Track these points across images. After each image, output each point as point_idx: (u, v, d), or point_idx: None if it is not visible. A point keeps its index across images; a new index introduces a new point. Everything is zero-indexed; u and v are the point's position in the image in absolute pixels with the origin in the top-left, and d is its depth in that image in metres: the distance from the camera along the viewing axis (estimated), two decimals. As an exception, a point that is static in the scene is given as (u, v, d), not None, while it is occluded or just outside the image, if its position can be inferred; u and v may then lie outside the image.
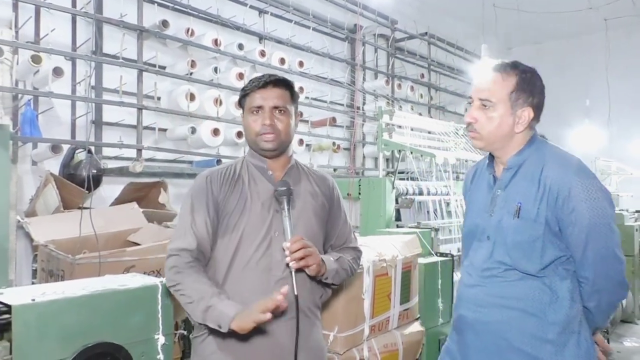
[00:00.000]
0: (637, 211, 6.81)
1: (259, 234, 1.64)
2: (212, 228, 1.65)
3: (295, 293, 1.55)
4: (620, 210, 6.40)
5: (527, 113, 1.64)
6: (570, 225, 1.55)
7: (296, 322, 1.57)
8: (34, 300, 1.61)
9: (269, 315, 1.39)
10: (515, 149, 1.67)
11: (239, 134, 4.90)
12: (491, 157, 1.76)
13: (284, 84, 1.72)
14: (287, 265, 1.56)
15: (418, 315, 2.69)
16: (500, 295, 1.63)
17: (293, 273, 1.56)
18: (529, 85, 1.64)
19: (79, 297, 1.70)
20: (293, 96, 1.74)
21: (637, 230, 5.86)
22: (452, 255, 3.03)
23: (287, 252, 1.55)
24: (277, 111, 1.68)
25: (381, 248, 2.47)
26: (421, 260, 2.82)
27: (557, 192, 1.55)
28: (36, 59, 3.61)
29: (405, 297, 2.56)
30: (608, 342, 4.79)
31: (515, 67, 1.66)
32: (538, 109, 1.67)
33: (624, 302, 4.94)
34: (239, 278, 1.62)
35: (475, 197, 1.81)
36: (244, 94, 1.73)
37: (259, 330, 1.51)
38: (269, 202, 1.67)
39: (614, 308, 1.72)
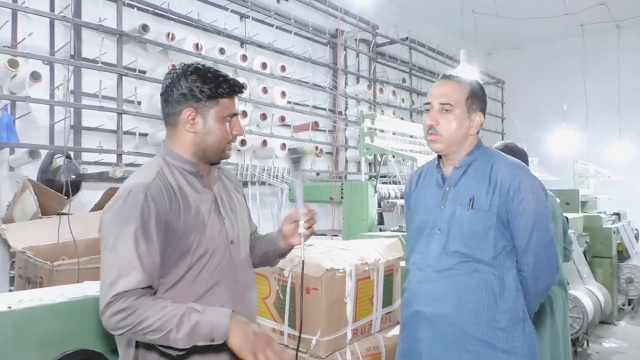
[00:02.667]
0: (614, 213, 6.95)
1: (220, 248, 1.52)
2: (161, 259, 1.39)
3: (303, 259, 1.64)
4: (598, 212, 6.52)
5: (479, 118, 1.82)
6: (518, 215, 1.72)
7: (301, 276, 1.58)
8: (10, 307, 1.59)
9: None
10: (466, 151, 1.83)
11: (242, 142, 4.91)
12: (439, 159, 1.90)
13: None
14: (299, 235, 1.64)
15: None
16: (456, 288, 1.73)
17: (303, 240, 1.64)
18: (479, 93, 1.83)
19: (56, 304, 1.68)
20: None
21: (614, 232, 5.98)
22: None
23: (302, 222, 1.62)
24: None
25: (363, 252, 2.48)
26: (403, 264, 2.83)
27: (508, 186, 1.73)
28: (13, 64, 3.56)
29: (387, 300, 2.56)
30: (587, 343, 4.87)
31: (465, 78, 1.85)
32: (484, 115, 1.86)
33: (602, 303, 5.02)
34: (206, 298, 1.46)
35: (422, 195, 1.92)
36: (213, 94, 1.50)
37: None
38: (215, 210, 1.55)
39: (546, 294, 1.86)
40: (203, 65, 1.53)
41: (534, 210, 1.71)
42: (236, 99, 1.57)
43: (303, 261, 1.68)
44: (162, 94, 1.55)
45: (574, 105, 8.45)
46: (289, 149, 1.76)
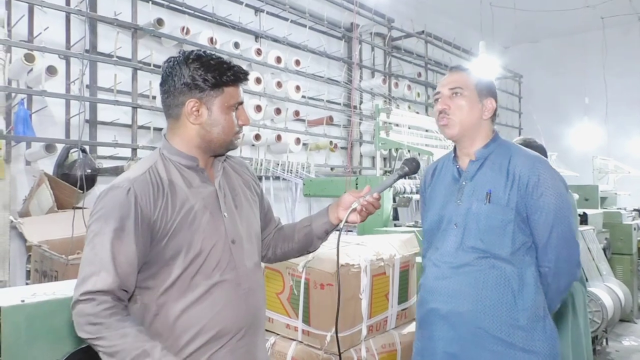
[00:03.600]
0: (634, 210, 6.80)
1: (218, 247, 1.40)
2: (143, 257, 1.32)
3: (342, 226, 1.61)
4: (617, 208, 6.39)
5: (491, 102, 1.78)
6: (538, 210, 1.67)
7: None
8: (23, 301, 1.58)
9: None
10: (483, 142, 1.78)
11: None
12: (454, 152, 1.85)
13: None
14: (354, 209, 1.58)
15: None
16: (474, 285, 1.68)
17: (356, 205, 1.58)
18: (487, 82, 1.82)
19: (69, 298, 1.65)
20: None
21: (635, 229, 5.85)
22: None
23: (369, 198, 1.58)
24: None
25: (379, 247, 2.44)
26: (419, 260, 2.79)
27: (527, 179, 1.67)
28: (29, 58, 3.57)
29: (403, 297, 2.53)
30: (607, 341, 4.79)
31: (471, 70, 1.85)
32: (496, 102, 1.82)
33: (622, 300, 4.92)
34: (204, 301, 1.37)
35: (438, 190, 1.87)
36: (218, 82, 1.41)
37: None
38: (214, 207, 1.43)
39: (568, 290, 1.81)
40: (205, 52, 1.43)
41: (554, 205, 1.66)
42: (241, 87, 1.47)
43: (340, 233, 1.61)
44: (161, 84, 1.44)
45: (594, 99, 8.28)
46: (410, 159, 1.71)
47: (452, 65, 1.89)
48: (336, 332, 1.73)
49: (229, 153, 1.58)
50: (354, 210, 1.58)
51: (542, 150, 2.72)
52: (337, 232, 1.63)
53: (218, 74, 1.40)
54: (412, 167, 1.75)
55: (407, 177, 1.82)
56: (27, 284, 3.55)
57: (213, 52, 1.46)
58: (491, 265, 1.67)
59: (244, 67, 1.59)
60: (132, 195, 1.30)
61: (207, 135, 1.42)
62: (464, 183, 1.76)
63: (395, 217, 5.48)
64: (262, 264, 1.74)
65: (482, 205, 1.69)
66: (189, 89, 1.39)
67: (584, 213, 4.90)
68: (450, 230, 1.74)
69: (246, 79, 1.48)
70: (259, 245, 1.59)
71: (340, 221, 1.61)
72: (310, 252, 1.76)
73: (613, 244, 5.63)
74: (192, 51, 1.43)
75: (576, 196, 3.08)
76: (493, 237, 1.67)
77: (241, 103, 1.47)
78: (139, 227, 1.30)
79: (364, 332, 2.27)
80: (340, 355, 1.78)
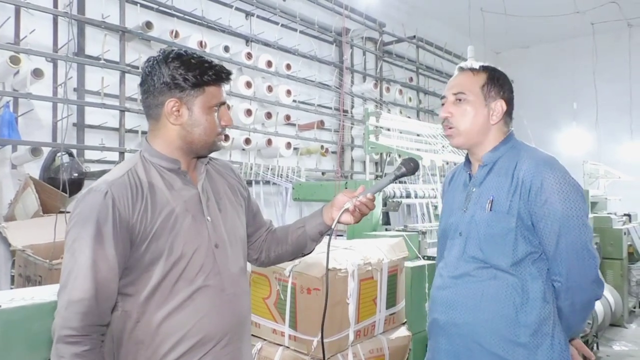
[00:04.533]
0: (625, 214, 6.83)
1: (200, 252, 1.36)
2: (123, 261, 1.29)
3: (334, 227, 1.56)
4: (608, 213, 6.42)
5: (501, 105, 1.66)
6: (543, 217, 1.54)
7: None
8: (0, 306, 1.55)
9: None
10: (492, 145, 1.67)
11: (225, 138, 4.85)
12: (467, 157, 1.78)
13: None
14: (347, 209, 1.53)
15: (405, 320, 2.64)
16: (472, 296, 1.60)
17: (340, 212, 1.53)
18: (498, 81, 1.68)
19: (48, 303, 1.63)
20: None
21: (625, 233, 5.88)
22: (440, 259, 2.98)
23: (362, 198, 1.53)
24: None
25: (366, 251, 2.42)
26: (408, 264, 2.77)
27: (529, 185, 1.55)
28: (15, 60, 3.53)
29: (391, 302, 2.50)
30: (597, 346, 4.78)
31: (484, 67, 1.70)
32: (509, 104, 1.69)
33: (612, 305, 4.93)
34: (186, 307, 1.34)
35: (451, 197, 1.81)
36: (199, 82, 1.37)
37: None
38: (196, 210, 1.40)
39: (590, 309, 1.67)
40: (185, 51, 1.40)
41: (560, 212, 1.52)
42: (223, 87, 1.43)
43: (330, 236, 1.57)
44: (140, 84, 1.41)
45: (585, 105, 8.33)
46: (408, 159, 1.59)
47: (460, 64, 1.75)
48: (322, 338, 1.70)
49: (215, 155, 1.56)
50: (347, 210, 1.53)
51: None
52: (328, 235, 1.58)
53: (199, 73, 1.36)
54: (409, 168, 1.61)
55: (404, 177, 1.72)
56: (11, 289, 3.50)
57: (195, 52, 1.42)
58: (492, 276, 1.58)
59: (234, 71, 1.57)
60: (110, 199, 1.27)
61: (188, 136, 1.39)
62: (472, 189, 1.68)
63: (387, 221, 5.46)
64: (249, 269, 1.70)
65: (483, 213, 1.61)
66: (169, 89, 1.36)
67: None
68: (456, 239, 1.68)
69: (229, 79, 1.44)
70: (245, 250, 1.55)
71: (331, 221, 1.56)
72: (305, 255, 1.71)
73: (603, 249, 5.64)
74: (173, 50, 1.40)
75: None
76: (491, 246, 1.58)
77: (223, 103, 1.43)
78: (118, 231, 1.26)
79: (351, 337, 2.24)
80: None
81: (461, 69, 1.72)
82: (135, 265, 1.31)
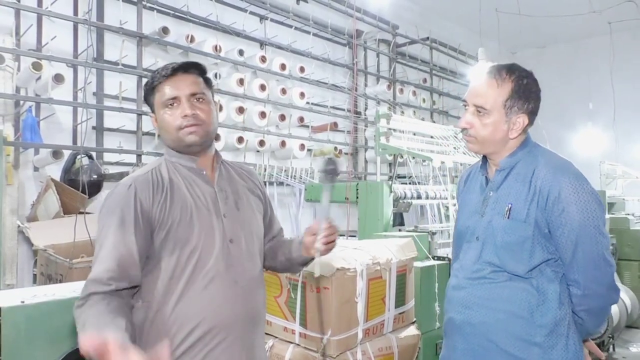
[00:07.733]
0: (643, 215, 6.74)
1: (215, 245, 1.45)
2: (144, 247, 1.39)
3: (317, 275, 1.61)
4: (626, 214, 6.35)
5: (522, 120, 1.63)
6: (560, 226, 1.55)
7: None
8: (23, 302, 1.63)
9: None
10: (509, 151, 1.67)
11: (240, 140, 4.93)
12: (485, 158, 1.77)
13: (196, 69, 1.53)
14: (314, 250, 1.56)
15: (414, 319, 2.67)
16: (487, 296, 1.62)
17: (318, 255, 1.56)
18: (524, 92, 1.62)
19: (68, 299, 1.71)
20: (207, 82, 1.56)
21: (643, 234, 5.81)
22: (450, 259, 3.01)
23: (320, 237, 1.54)
24: (195, 99, 1.48)
25: (375, 251, 2.46)
26: (418, 264, 2.81)
27: (547, 194, 1.55)
28: (37, 66, 3.65)
29: (400, 301, 2.54)
30: (613, 347, 4.74)
31: (511, 71, 1.63)
32: (533, 114, 1.66)
33: (629, 307, 4.88)
34: (200, 297, 1.41)
35: (467, 198, 1.81)
36: (151, 87, 1.49)
37: None
38: (212, 207, 1.49)
39: (605, 314, 1.70)
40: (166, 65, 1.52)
41: (577, 222, 1.52)
42: (187, 81, 1.48)
43: (317, 277, 1.64)
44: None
45: (602, 104, 8.23)
46: (329, 159, 1.57)
47: (492, 66, 1.66)
48: (322, 334, 1.75)
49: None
50: (322, 250, 1.56)
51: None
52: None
53: (151, 77, 1.50)
54: (329, 170, 1.63)
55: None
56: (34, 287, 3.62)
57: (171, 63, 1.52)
58: (507, 278, 1.60)
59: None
60: (133, 190, 1.40)
61: (163, 137, 1.53)
62: (490, 194, 1.69)
63: (401, 222, 5.48)
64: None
65: (501, 220, 1.61)
66: (148, 103, 1.54)
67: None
68: (473, 242, 1.69)
69: (181, 70, 1.48)
70: (261, 247, 1.63)
71: (312, 257, 1.60)
72: (295, 273, 1.82)
73: (620, 250, 5.59)
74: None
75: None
76: (508, 254, 1.59)
77: (175, 97, 1.46)
78: (139, 219, 1.38)
79: (360, 335, 2.29)
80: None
81: (490, 74, 1.64)
82: (154, 255, 1.41)
